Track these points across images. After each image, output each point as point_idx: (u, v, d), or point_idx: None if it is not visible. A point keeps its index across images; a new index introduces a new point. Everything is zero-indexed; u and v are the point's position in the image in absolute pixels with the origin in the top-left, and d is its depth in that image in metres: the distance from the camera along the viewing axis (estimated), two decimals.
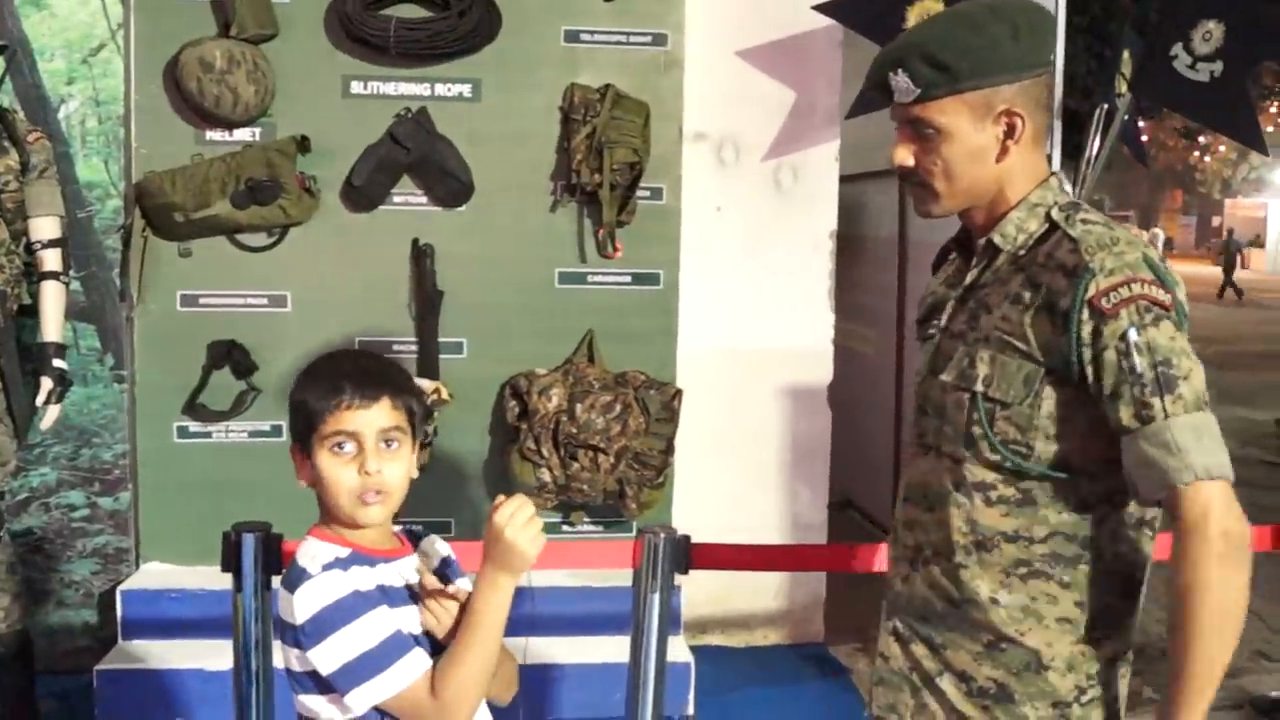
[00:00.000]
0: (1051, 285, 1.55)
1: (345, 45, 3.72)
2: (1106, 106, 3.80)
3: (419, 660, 1.61)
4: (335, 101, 3.75)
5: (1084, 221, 1.58)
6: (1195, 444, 1.48)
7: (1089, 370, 1.52)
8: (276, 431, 3.79)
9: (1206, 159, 39.83)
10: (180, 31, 3.63)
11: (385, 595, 1.64)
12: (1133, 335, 1.48)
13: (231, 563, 2.53)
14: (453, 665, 1.61)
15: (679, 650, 3.68)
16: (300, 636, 1.59)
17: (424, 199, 3.82)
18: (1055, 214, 1.61)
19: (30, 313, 3.36)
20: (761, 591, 4.21)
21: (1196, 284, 28.33)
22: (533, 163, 3.83)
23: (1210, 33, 3.46)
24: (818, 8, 3.83)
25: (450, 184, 3.78)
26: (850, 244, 4.72)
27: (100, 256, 3.79)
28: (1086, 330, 1.51)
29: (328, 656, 1.58)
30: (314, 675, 1.61)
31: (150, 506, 3.83)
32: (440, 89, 3.78)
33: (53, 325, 3.34)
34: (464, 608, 1.66)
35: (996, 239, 1.65)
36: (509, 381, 3.77)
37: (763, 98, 4.07)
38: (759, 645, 4.25)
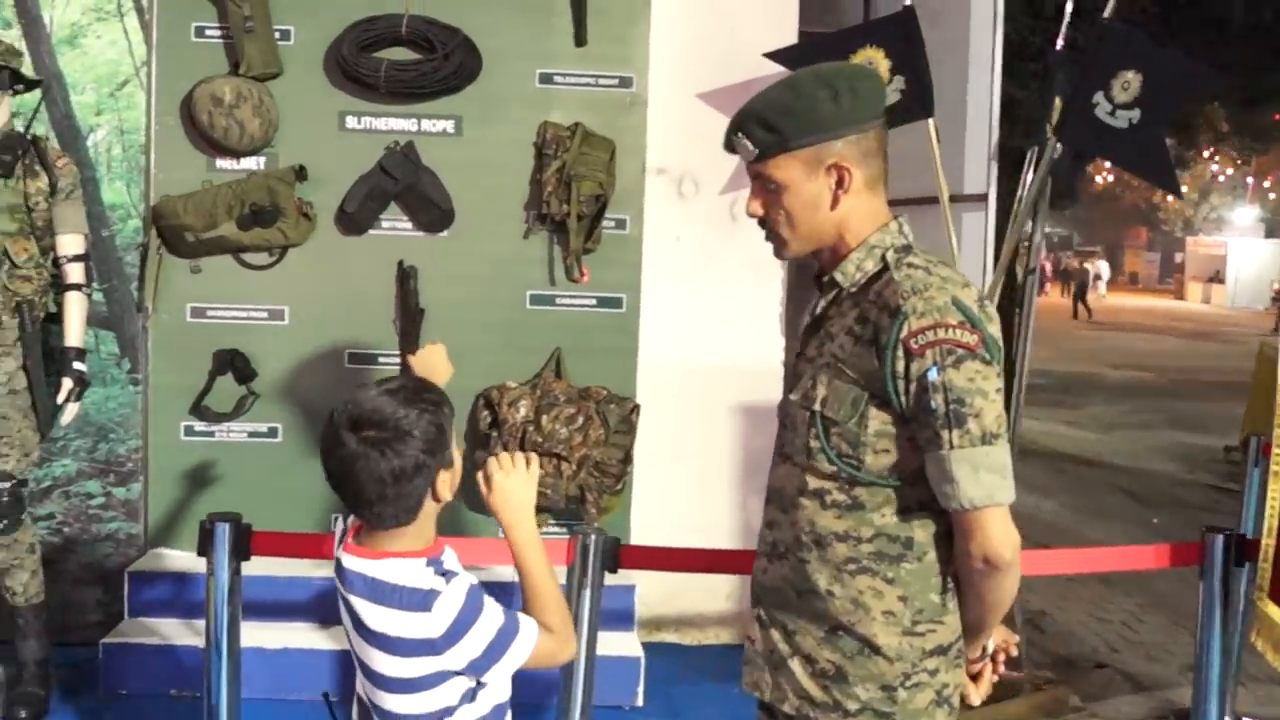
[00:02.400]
0: (878, 322, 1.62)
1: (341, 84, 3.78)
2: (1038, 147, 3.75)
3: (526, 619, 1.68)
4: (331, 134, 3.81)
5: (909, 265, 1.64)
6: (969, 476, 1.56)
7: (901, 399, 1.60)
8: (273, 433, 3.85)
9: (1169, 199, 38.92)
10: (196, 69, 3.70)
11: None
12: (932, 375, 1.56)
13: (206, 548, 2.58)
14: (540, 604, 1.71)
15: (630, 645, 3.68)
16: (438, 644, 1.61)
17: (409, 224, 3.86)
18: (890, 256, 1.67)
19: (56, 320, 3.40)
20: (713, 593, 4.17)
21: (1158, 316, 27.92)
22: (508, 193, 3.86)
23: (1129, 82, 3.42)
24: (770, 55, 3.84)
25: (433, 211, 3.81)
26: (809, 268, 4.68)
27: (121, 271, 3.85)
28: (900, 365, 1.58)
29: (467, 650, 1.62)
30: (441, 674, 1.64)
31: (158, 497, 3.87)
32: (426, 124, 3.83)
33: (74, 332, 3.38)
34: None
35: (838, 276, 1.71)
36: (482, 393, 3.78)
37: (720, 136, 4.00)
38: (710, 644, 4.22)
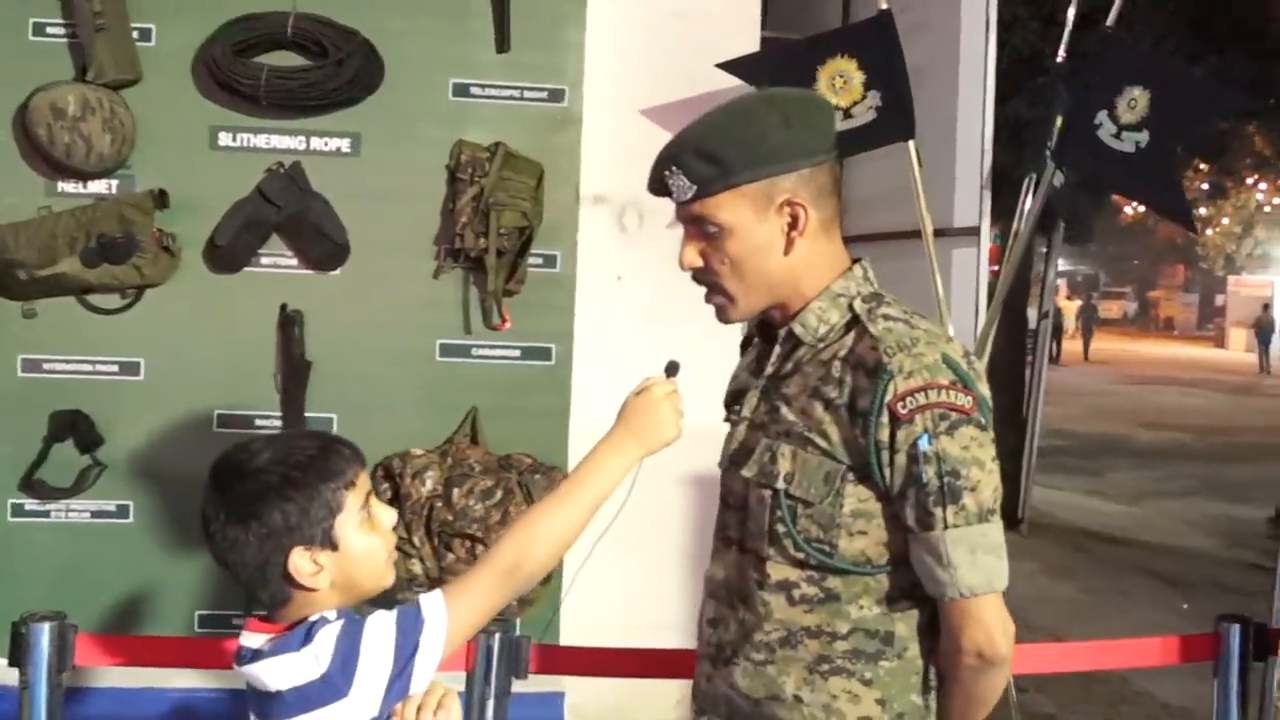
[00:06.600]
0: (855, 384, 1.61)
1: (214, 93, 3.69)
2: (1036, 174, 3.70)
3: (426, 596, 1.59)
4: (201, 153, 3.73)
5: (885, 317, 1.64)
6: (967, 560, 1.56)
7: (886, 471, 1.59)
8: (123, 512, 3.71)
9: (1209, 232, 38.89)
10: (33, 75, 3.58)
11: None
12: (923, 444, 1.55)
13: (20, 656, 2.49)
14: (545, 513, 1.68)
15: None
16: (335, 679, 1.50)
17: (294, 261, 3.80)
18: (858, 305, 1.66)
19: None
20: (658, 698, 4.01)
21: (1201, 368, 27.85)
22: (415, 224, 3.81)
23: (1135, 101, 3.44)
24: (724, 65, 3.79)
25: (324, 245, 3.74)
26: None
27: None
28: (885, 433, 1.57)
29: (374, 670, 1.52)
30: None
31: None
32: (316, 143, 3.78)
33: None
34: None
35: (798, 329, 1.69)
36: (381, 463, 3.69)
37: None
38: None
